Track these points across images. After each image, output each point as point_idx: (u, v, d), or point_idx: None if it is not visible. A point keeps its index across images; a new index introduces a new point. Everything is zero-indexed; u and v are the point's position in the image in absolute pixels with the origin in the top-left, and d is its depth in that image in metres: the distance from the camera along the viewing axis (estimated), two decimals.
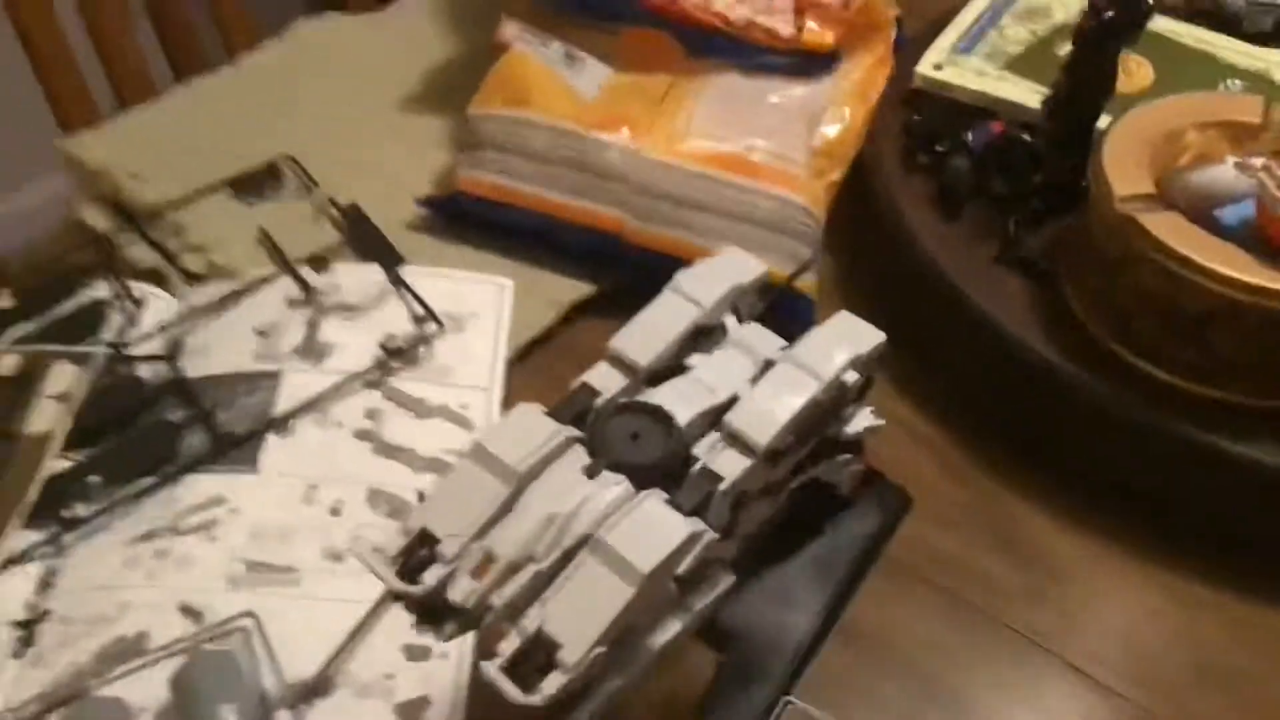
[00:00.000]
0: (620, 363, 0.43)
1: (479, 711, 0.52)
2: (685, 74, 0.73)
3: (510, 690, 0.36)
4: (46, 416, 0.61)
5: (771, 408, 0.41)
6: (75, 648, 0.53)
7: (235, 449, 0.60)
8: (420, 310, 0.66)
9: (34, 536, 0.57)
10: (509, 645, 0.37)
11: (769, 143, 0.70)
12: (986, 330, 0.62)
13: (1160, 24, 0.77)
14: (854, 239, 0.73)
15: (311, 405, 0.62)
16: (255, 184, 0.75)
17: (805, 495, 0.57)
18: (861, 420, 0.46)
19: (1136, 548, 0.59)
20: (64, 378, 0.63)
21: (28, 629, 0.54)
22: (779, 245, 0.68)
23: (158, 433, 0.61)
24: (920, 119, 0.72)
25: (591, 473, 0.40)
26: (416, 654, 0.54)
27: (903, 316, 0.70)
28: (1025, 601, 0.58)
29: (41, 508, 0.58)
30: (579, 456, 0.40)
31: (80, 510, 0.58)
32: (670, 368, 0.44)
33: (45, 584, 0.56)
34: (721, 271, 0.46)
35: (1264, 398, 0.56)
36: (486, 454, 0.40)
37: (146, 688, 0.51)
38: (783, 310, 0.48)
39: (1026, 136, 0.67)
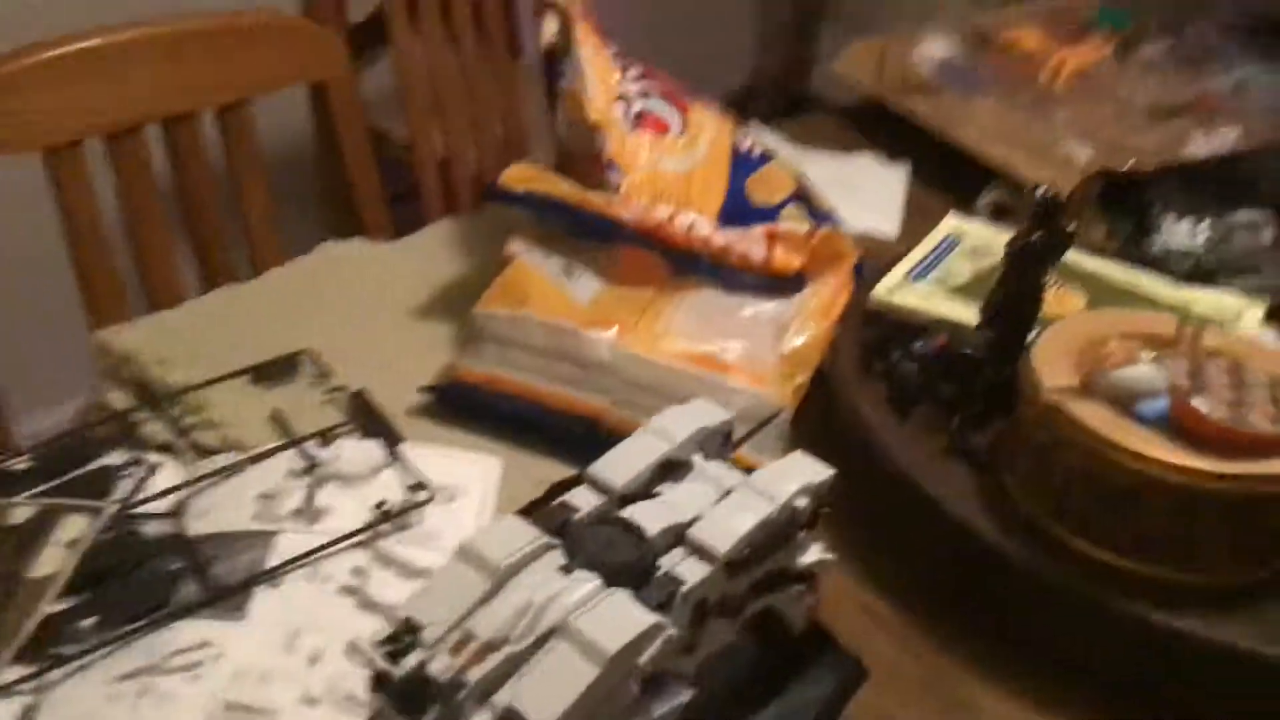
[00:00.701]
0: (597, 485, 0.48)
1: None
2: (670, 288, 0.82)
3: None
4: (52, 561, 0.64)
5: (730, 523, 0.46)
6: None
7: (226, 599, 0.63)
8: (413, 480, 0.71)
9: (20, 671, 0.59)
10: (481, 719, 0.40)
11: (742, 345, 0.77)
12: (936, 514, 0.67)
13: (1091, 263, 0.86)
14: (817, 437, 0.79)
15: (301, 561, 0.66)
16: (275, 372, 0.81)
17: (762, 656, 0.60)
18: (813, 553, 0.51)
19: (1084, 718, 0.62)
20: (73, 528, 0.66)
21: None
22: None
23: (154, 581, 0.64)
24: (875, 333, 0.80)
25: (567, 570, 0.44)
26: None
27: (861, 507, 0.76)
28: None
29: (33, 645, 0.60)
30: (556, 558, 0.44)
31: (68, 649, 0.60)
32: (642, 494, 0.49)
33: (26, 718, 0.57)
34: (692, 415, 0.51)
35: (1192, 572, 0.61)
36: (472, 552, 0.44)
37: None
38: None
39: (967, 350, 0.75)
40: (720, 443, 0.52)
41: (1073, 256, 0.79)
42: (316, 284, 0.92)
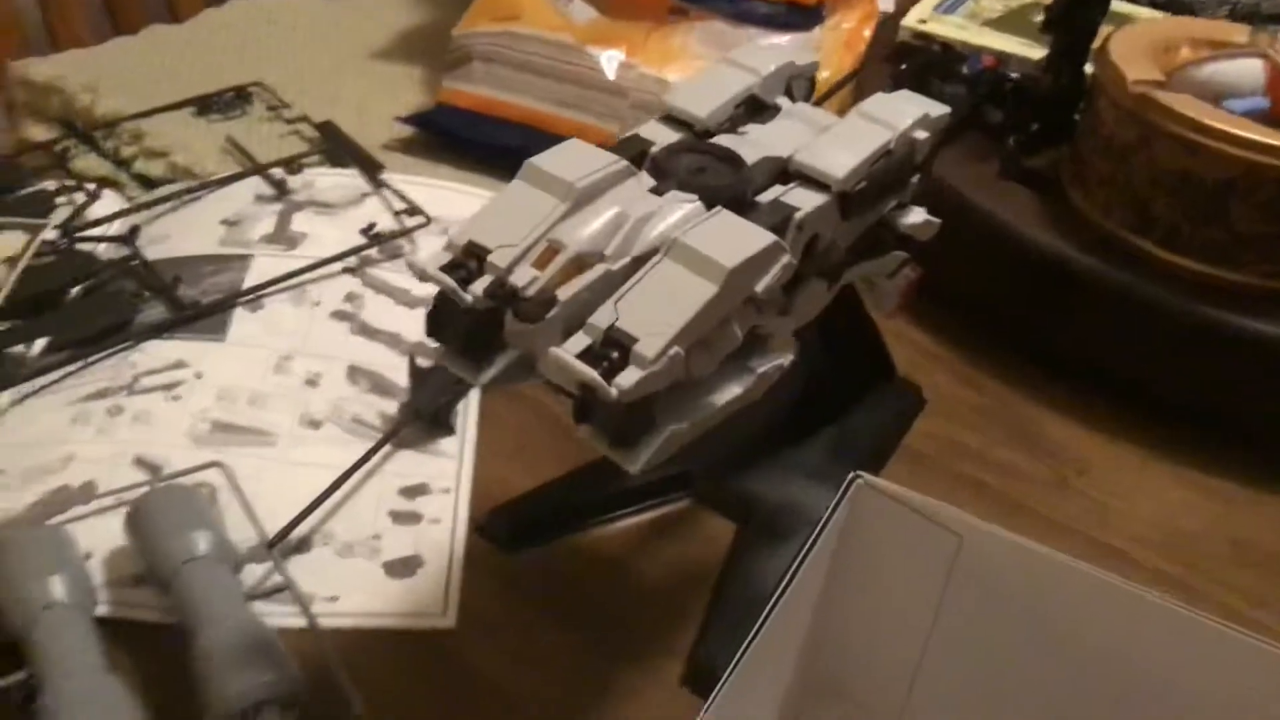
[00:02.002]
0: (674, 120, 0.40)
1: (478, 567, 0.46)
2: (671, 22, 0.73)
3: (584, 369, 0.31)
4: None
5: (844, 150, 0.38)
6: (9, 496, 0.46)
7: (200, 319, 0.54)
8: (402, 205, 0.62)
9: None
10: (576, 344, 0.32)
11: None
12: (999, 235, 0.60)
13: (1121, 7, 0.79)
14: None
15: (285, 283, 0.57)
16: (224, 104, 0.71)
17: (825, 372, 0.54)
18: (917, 214, 0.43)
19: (1156, 445, 0.57)
20: (8, 246, 0.56)
21: None
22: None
23: (111, 301, 0.55)
24: (912, 64, 0.72)
25: (659, 192, 0.36)
26: (405, 519, 0.48)
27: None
28: (1050, 490, 0.54)
29: None
30: (645, 180, 0.37)
31: (21, 370, 0.51)
32: (726, 133, 0.41)
33: None
34: (776, 51, 0.43)
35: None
36: (540, 172, 0.36)
37: (94, 532, 0.44)
38: None
39: (1015, 74, 0.68)
40: (807, 88, 0.44)
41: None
42: (258, 24, 0.81)
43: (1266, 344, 0.54)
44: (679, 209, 0.35)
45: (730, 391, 0.37)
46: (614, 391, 0.31)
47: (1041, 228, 0.60)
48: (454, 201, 0.65)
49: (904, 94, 0.42)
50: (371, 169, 0.65)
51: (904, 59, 0.74)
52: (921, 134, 0.41)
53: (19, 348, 0.52)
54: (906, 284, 0.46)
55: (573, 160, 0.36)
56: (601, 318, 0.32)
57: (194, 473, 0.47)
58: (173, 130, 0.68)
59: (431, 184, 0.66)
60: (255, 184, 0.63)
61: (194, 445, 0.49)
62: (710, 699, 0.31)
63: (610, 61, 0.67)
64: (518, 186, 0.36)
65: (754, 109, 0.42)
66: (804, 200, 0.37)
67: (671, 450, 0.35)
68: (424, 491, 0.49)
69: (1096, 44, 0.63)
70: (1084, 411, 0.59)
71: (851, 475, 0.38)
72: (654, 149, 0.39)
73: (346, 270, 0.59)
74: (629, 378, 0.31)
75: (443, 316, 0.34)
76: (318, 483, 0.48)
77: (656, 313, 0.32)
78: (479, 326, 0.34)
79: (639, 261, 0.34)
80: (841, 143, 0.39)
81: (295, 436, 0.50)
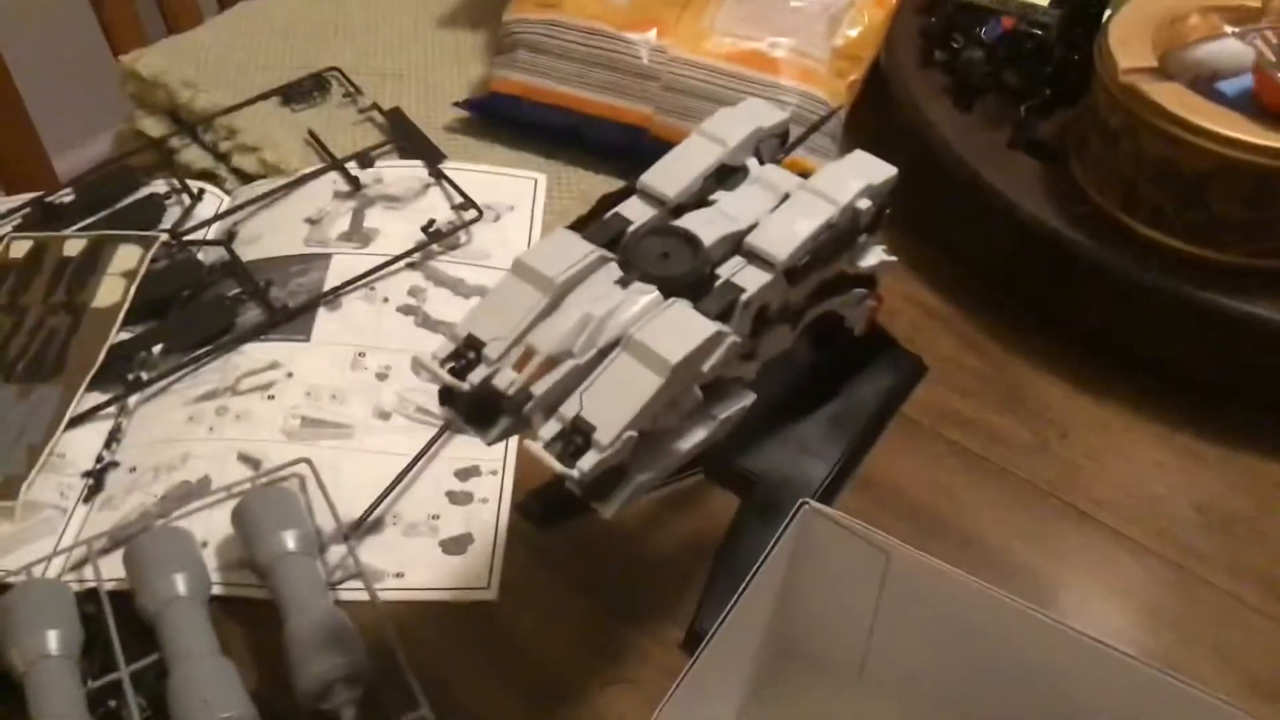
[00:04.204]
0: (649, 196, 0.47)
1: (516, 542, 0.56)
2: None
3: (553, 463, 0.39)
4: (111, 292, 0.65)
5: (790, 228, 0.45)
6: (142, 492, 0.57)
7: (289, 320, 0.64)
8: (460, 199, 0.70)
9: (99, 398, 0.61)
10: (549, 431, 0.40)
11: (791, 41, 0.73)
12: (1000, 207, 0.65)
13: None
14: (873, 137, 0.76)
15: (359, 282, 0.66)
16: (303, 92, 0.79)
17: (823, 360, 0.61)
18: (874, 255, 0.49)
19: (1140, 406, 0.62)
20: (127, 259, 0.67)
21: (97, 477, 0.58)
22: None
23: (216, 307, 0.65)
24: (936, 21, 0.75)
25: (624, 284, 0.43)
26: (459, 499, 0.58)
27: (920, 205, 0.74)
28: (1032, 454, 0.61)
29: (106, 373, 0.62)
30: (612, 271, 0.44)
31: (143, 375, 0.62)
32: (696, 203, 0.47)
33: (112, 439, 0.60)
34: (745, 116, 0.49)
35: (1261, 257, 0.59)
36: (526, 268, 0.43)
37: (210, 523, 0.56)
38: None
39: (1036, 30, 0.70)
40: (776, 145, 0.50)
41: None
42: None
43: (1248, 320, 0.59)
44: (639, 301, 0.42)
45: (695, 437, 0.45)
46: (575, 474, 0.39)
47: (1039, 200, 0.65)
48: (503, 187, 0.72)
49: (854, 160, 0.48)
50: (433, 159, 0.73)
51: (933, 11, 0.77)
52: (864, 203, 0.46)
53: (141, 354, 0.63)
54: (870, 310, 0.53)
55: (554, 254, 0.44)
56: (569, 408, 0.40)
57: (286, 469, 0.57)
58: (261, 123, 0.76)
59: (485, 170, 0.73)
60: (333, 180, 0.72)
61: (286, 440, 0.59)
62: (690, 662, 0.40)
63: (644, 46, 0.72)
64: (509, 280, 0.44)
65: (724, 174, 0.48)
66: (752, 280, 0.44)
67: (642, 494, 0.43)
68: (476, 473, 0.59)
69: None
70: (1073, 375, 0.64)
71: (800, 503, 0.46)
72: (629, 229, 0.46)
73: (409, 265, 0.67)
74: (587, 461, 0.40)
75: (449, 394, 0.43)
76: (388, 469, 0.58)
77: (612, 403, 0.40)
78: (479, 404, 0.42)
79: (604, 352, 0.42)
80: (788, 221, 0.45)
81: (369, 428, 0.60)
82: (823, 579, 0.48)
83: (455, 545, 0.56)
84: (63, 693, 0.47)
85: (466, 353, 0.42)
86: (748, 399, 0.46)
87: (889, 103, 0.74)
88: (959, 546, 0.57)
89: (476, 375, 0.42)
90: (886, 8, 0.77)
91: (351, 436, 0.60)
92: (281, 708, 0.49)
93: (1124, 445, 0.61)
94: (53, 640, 0.48)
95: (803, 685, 0.51)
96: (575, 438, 0.40)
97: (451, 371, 0.42)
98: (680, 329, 0.41)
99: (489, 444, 0.43)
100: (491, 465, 0.59)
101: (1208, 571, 0.56)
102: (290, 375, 0.62)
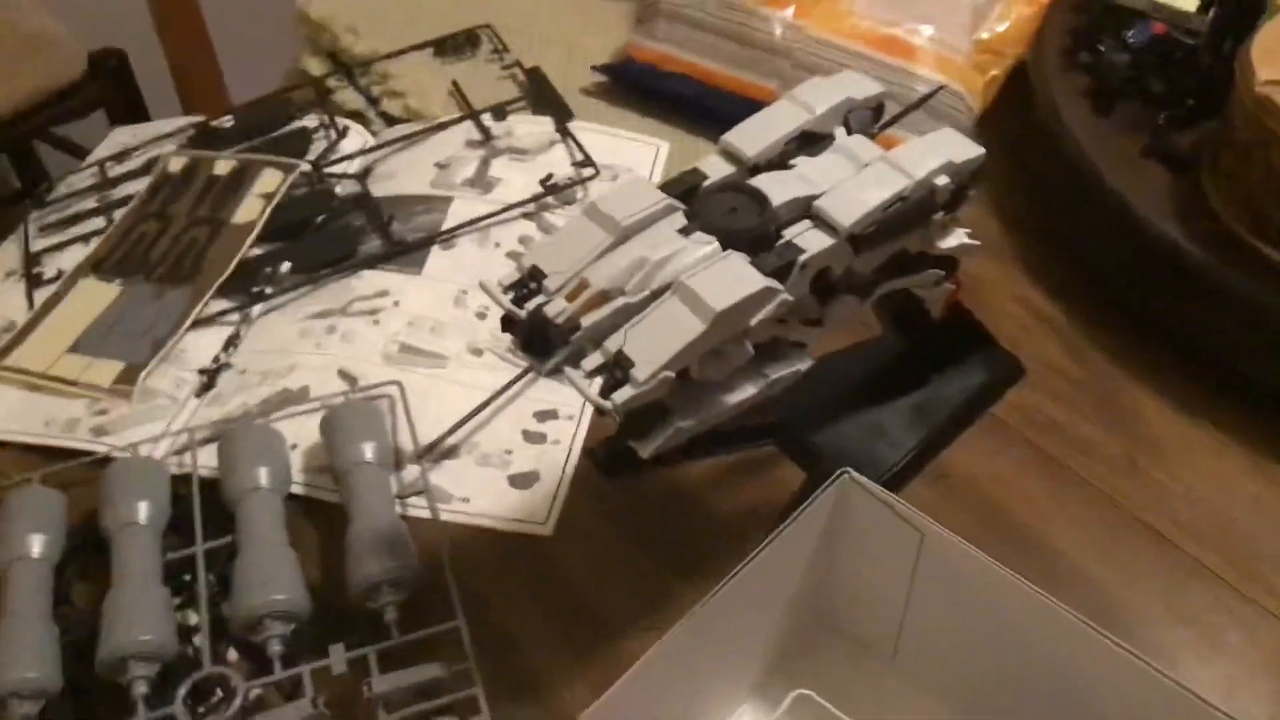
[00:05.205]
0: (729, 154, 0.48)
1: (581, 488, 0.58)
2: None
3: (590, 393, 0.41)
4: (250, 211, 0.70)
5: (860, 195, 0.45)
6: (248, 393, 0.61)
7: (405, 254, 0.68)
8: (580, 157, 0.72)
9: (225, 304, 0.66)
10: (591, 362, 0.42)
11: (931, 29, 0.72)
12: (1124, 215, 0.63)
13: None
14: (1006, 136, 0.75)
15: (474, 226, 0.69)
16: (455, 46, 0.83)
17: (909, 346, 0.60)
18: (955, 237, 0.49)
19: (1242, 434, 0.60)
20: (269, 182, 0.72)
21: (210, 375, 0.63)
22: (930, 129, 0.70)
23: (342, 235, 0.69)
24: (1085, 20, 0.73)
25: (686, 232, 0.44)
26: (534, 438, 0.60)
27: (1042, 205, 0.72)
28: (1119, 469, 0.59)
29: (235, 283, 0.67)
30: (677, 221, 0.45)
31: (267, 289, 0.66)
32: (775, 165, 0.48)
33: (230, 343, 0.64)
34: (837, 85, 0.49)
35: None
36: (596, 209, 0.45)
37: (301, 428, 0.59)
38: None
39: (1185, 38, 0.67)
40: (868, 118, 0.50)
41: None
42: None
43: None
44: (697, 249, 0.43)
45: (744, 393, 0.46)
46: (609, 405, 0.41)
47: (1165, 212, 0.62)
48: (626, 151, 0.74)
49: (940, 136, 0.47)
50: (563, 117, 0.75)
51: (1080, 12, 0.75)
52: (943, 180, 0.46)
53: (268, 269, 0.67)
54: (947, 295, 0.52)
55: (625, 199, 0.45)
56: (614, 342, 0.42)
57: (379, 388, 0.61)
58: (412, 71, 0.80)
59: (612, 132, 0.75)
60: (467, 129, 0.75)
61: (384, 363, 0.63)
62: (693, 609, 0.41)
63: (779, 22, 0.72)
64: (579, 220, 0.45)
65: (809, 140, 0.48)
66: (814, 242, 0.44)
67: (679, 441, 0.44)
68: (554, 416, 0.61)
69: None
70: (1177, 395, 0.62)
71: (840, 471, 0.47)
72: (705, 183, 0.47)
73: (524, 215, 0.70)
74: (622, 395, 0.41)
75: (509, 321, 0.45)
76: (472, 401, 0.61)
77: (653, 343, 0.41)
78: (534, 333, 0.44)
79: (658, 295, 0.43)
80: (859, 189, 0.45)
81: (462, 361, 0.63)
82: (858, 553, 0.48)
83: (522, 481, 0.58)
84: (144, 557, 0.51)
85: (529, 282, 0.44)
86: (803, 364, 0.47)
87: (1028, 101, 0.73)
88: (1026, 551, 0.56)
89: (532, 304, 0.44)
90: (1036, 5, 0.76)
91: (444, 367, 0.63)
92: (334, 602, 0.52)
93: (1218, 472, 0.59)
94: (143, 510, 0.53)
95: (835, 659, 0.51)
96: (616, 371, 0.41)
97: (513, 300, 0.44)
98: (731, 280, 0.42)
99: (544, 374, 0.45)
100: (570, 411, 0.61)
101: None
102: (397, 304, 0.65)
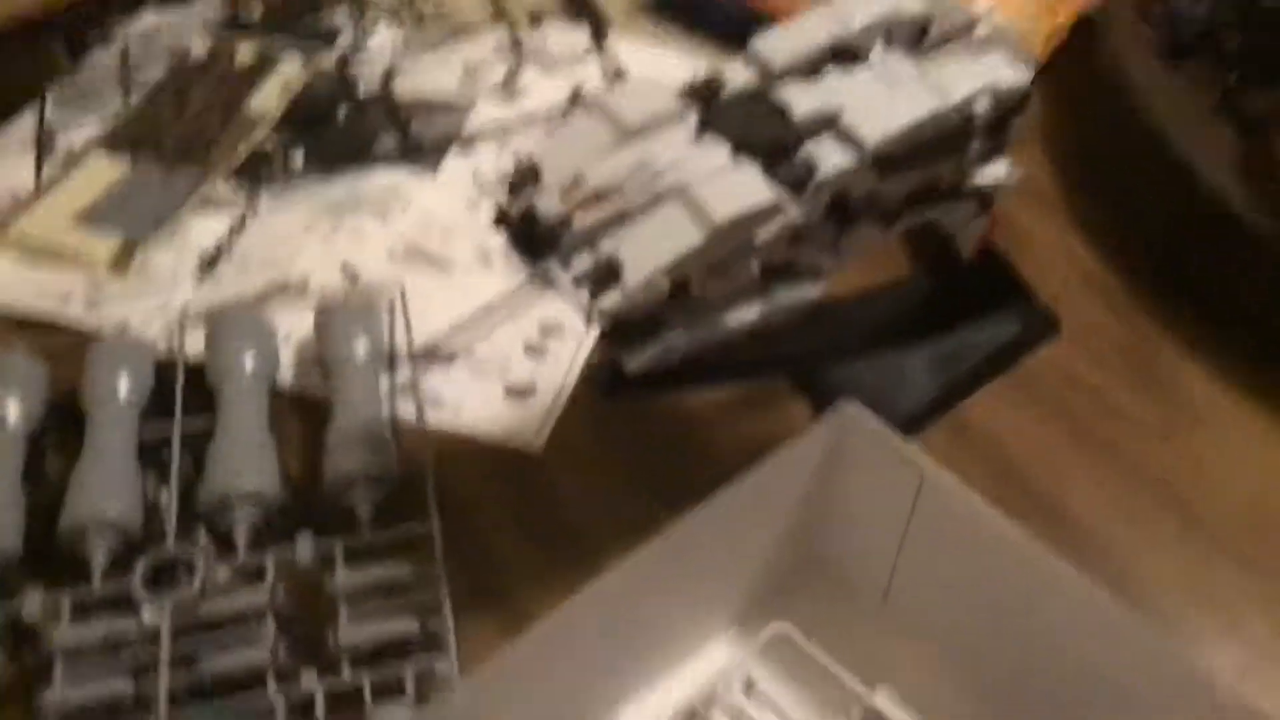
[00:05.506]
0: (755, 61, 0.44)
1: (579, 407, 0.56)
2: None
3: (575, 295, 0.38)
4: (267, 99, 0.68)
5: (889, 112, 0.41)
6: (247, 279, 0.60)
7: (421, 154, 0.65)
8: (613, 69, 0.69)
9: (233, 190, 0.64)
10: (581, 264, 0.39)
11: None
12: (1187, 178, 0.59)
13: None
14: (1066, 88, 0.70)
15: (494, 132, 0.66)
16: None
17: (937, 288, 0.57)
18: (994, 170, 0.45)
19: None
20: (291, 73, 0.69)
21: (211, 259, 0.61)
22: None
23: (358, 130, 0.67)
24: None
25: (698, 140, 0.41)
26: (535, 352, 0.58)
27: (1100, 161, 0.68)
28: (1153, 437, 0.55)
29: (246, 169, 0.65)
30: (691, 125, 0.42)
31: (279, 177, 0.64)
32: (804, 77, 0.44)
33: (234, 229, 0.62)
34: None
35: None
36: (605, 105, 0.42)
37: (295, 321, 0.57)
38: None
39: None
40: (912, 37, 0.46)
41: None
42: None
43: None
44: (706, 156, 0.40)
45: (746, 315, 0.43)
46: (594, 310, 0.38)
47: (1228, 174, 0.58)
48: (665, 66, 0.71)
49: (985, 60, 0.44)
50: (600, 29, 0.72)
51: None
52: (982, 104, 0.42)
53: (281, 158, 0.65)
54: (980, 232, 0.49)
55: (635, 99, 0.42)
56: (607, 245, 0.39)
57: (380, 286, 0.58)
58: None
59: (651, 50, 0.72)
60: (499, 34, 0.72)
61: (389, 261, 0.60)
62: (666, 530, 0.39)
63: None
64: (584, 117, 0.42)
65: (845, 57, 0.45)
66: (834, 159, 0.41)
67: (671, 358, 0.42)
68: (558, 332, 0.59)
69: None
70: (1222, 364, 0.58)
71: (839, 401, 0.44)
72: (724, 91, 0.43)
73: (549, 126, 0.67)
74: (609, 300, 0.38)
75: (502, 217, 0.42)
76: (475, 308, 0.59)
77: (648, 250, 0.39)
78: (525, 229, 0.42)
79: (656, 200, 0.40)
80: (890, 106, 0.42)
81: (468, 268, 0.61)
82: (855, 490, 0.45)
83: (517, 393, 0.56)
84: (118, 433, 0.50)
85: (526, 179, 0.42)
86: (813, 291, 0.44)
87: (1093, 49, 0.68)
88: (1040, 511, 0.52)
89: (525, 199, 0.41)
90: None
91: (451, 273, 0.60)
92: (310, 498, 0.50)
93: (1261, 449, 0.55)
94: (123, 386, 0.51)
95: (824, 597, 0.48)
96: (603, 274, 0.39)
97: (509, 195, 0.42)
98: (737, 191, 0.39)
99: (532, 275, 0.43)
100: (577, 327, 0.59)
101: None
102: (409, 204, 0.63)
